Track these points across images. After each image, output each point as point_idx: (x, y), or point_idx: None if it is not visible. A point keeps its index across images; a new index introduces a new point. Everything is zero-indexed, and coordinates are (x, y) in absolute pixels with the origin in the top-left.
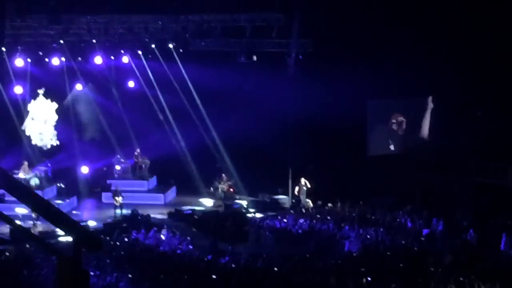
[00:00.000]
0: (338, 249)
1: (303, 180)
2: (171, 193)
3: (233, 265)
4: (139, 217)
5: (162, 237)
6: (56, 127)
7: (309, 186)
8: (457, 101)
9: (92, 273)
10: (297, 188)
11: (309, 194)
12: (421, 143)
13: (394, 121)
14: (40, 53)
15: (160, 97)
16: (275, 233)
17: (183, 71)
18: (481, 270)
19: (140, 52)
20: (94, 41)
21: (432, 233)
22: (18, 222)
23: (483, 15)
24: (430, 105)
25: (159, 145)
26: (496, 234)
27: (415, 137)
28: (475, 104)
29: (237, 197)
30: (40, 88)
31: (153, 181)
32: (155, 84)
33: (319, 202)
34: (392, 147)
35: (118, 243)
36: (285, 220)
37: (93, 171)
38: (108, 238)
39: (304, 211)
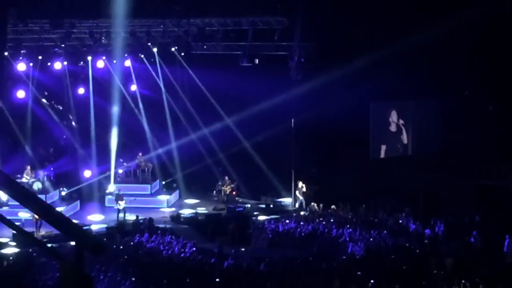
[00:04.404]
0: (341, 252)
1: (300, 183)
2: (174, 197)
3: (236, 268)
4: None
5: (165, 240)
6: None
7: (304, 190)
8: (460, 104)
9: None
10: (296, 192)
11: (311, 197)
12: (424, 145)
13: (397, 123)
14: (40, 57)
15: (162, 100)
16: (278, 236)
17: (185, 74)
18: (485, 273)
19: (142, 56)
20: (96, 45)
21: (435, 235)
22: (21, 226)
23: (486, 16)
24: (433, 108)
25: (161, 148)
26: (499, 236)
27: (418, 140)
28: (480, 106)
29: (240, 200)
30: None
31: (155, 184)
32: (157, 88)
33: (321, 205)
34: (394, 150)
35: (121, 247)
36: (287, 221)
37: (96, 175)
38: (111, 242)
39: (306, 214)
